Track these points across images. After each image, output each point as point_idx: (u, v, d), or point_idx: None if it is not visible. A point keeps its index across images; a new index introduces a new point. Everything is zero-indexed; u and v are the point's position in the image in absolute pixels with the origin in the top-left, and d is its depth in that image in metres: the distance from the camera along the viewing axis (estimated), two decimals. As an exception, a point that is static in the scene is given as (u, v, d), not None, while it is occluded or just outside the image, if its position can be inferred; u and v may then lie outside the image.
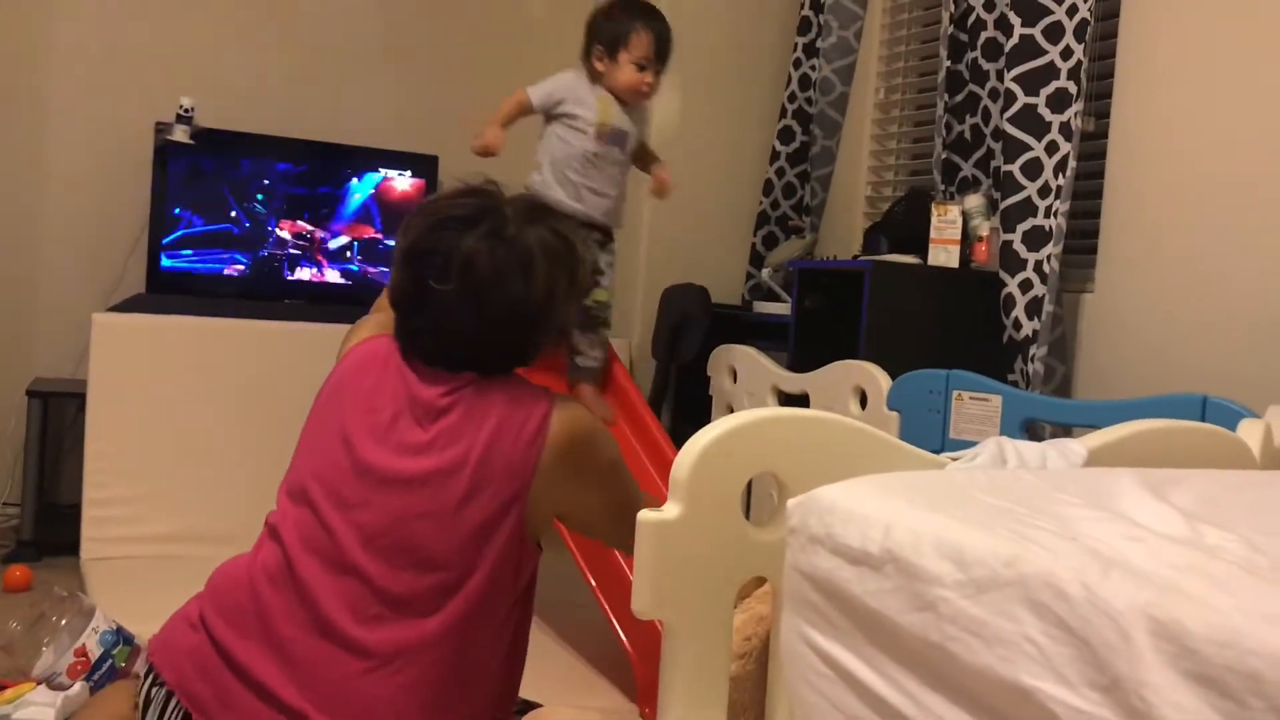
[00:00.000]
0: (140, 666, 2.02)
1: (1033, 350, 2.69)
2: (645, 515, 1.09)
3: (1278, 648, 0.60)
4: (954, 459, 1.21)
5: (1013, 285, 2.75)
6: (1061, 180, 2.71)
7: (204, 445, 3.13)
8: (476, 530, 1.51)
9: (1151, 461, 1.33)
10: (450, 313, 1.56)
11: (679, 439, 3.42)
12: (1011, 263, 2.75)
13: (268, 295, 3.39)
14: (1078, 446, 1.26)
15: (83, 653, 1.92)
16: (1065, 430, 2.46)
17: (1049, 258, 2.70)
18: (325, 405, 1.62)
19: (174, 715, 1.54)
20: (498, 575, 1.52)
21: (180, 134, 3.28)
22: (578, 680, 2.43)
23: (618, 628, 2.39)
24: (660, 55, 2.70)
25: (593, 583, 2.47)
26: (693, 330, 3.29)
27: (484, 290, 1.55)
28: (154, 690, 1.55)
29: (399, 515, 1.52)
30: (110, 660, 1.95)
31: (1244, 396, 2.08)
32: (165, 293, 3.27)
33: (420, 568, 1.50)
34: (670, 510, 1.09)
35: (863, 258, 2.95)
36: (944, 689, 0.80)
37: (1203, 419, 2.10)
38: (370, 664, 1.47)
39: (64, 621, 1.96)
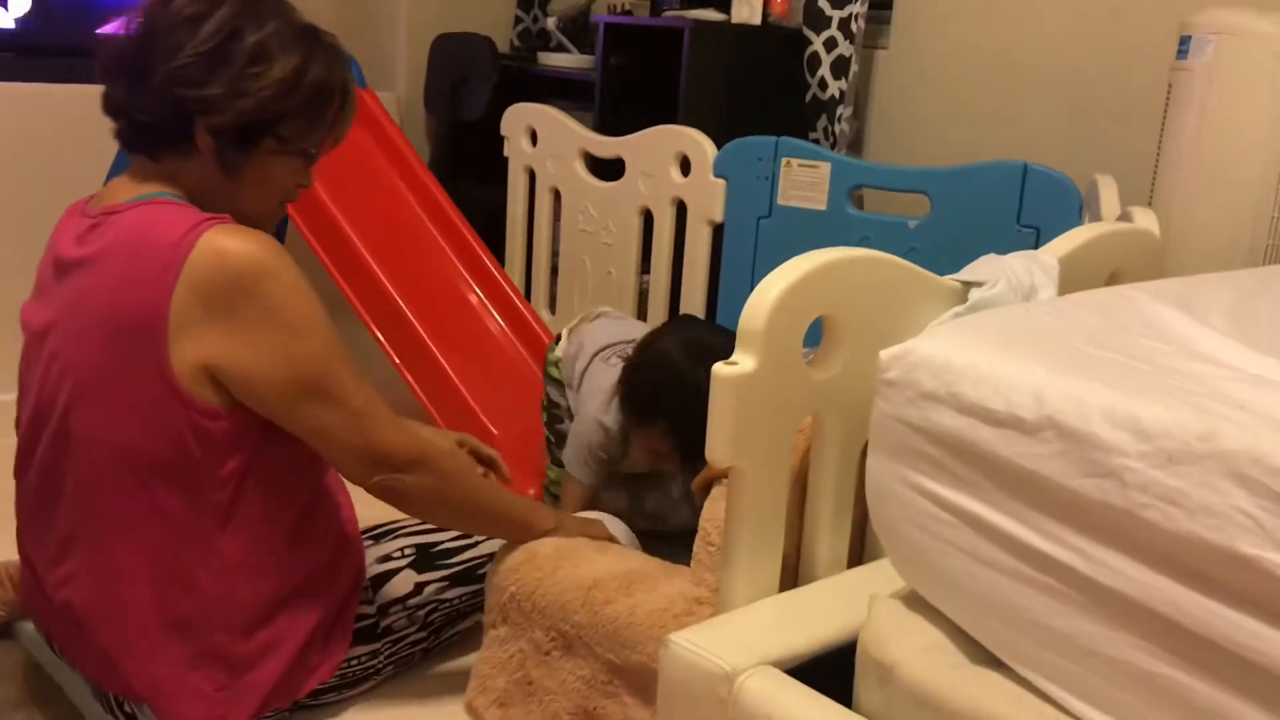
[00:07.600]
0: None
1: (839, 110, 2.76)
2: (721, 369, 1.07)
3: None
4: (964, 283, 1.26)
5: (818, 43, 2.77)
6: (869, -66, 2.71)
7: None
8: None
9: (1102, 260, 1.44)
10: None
11: (466, 202, 3.31)
12: (816, 20, 2.76)
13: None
14: (1048, 257, 1.34)
15: None
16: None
17: (854, 16, 2.74)
18: None
19: None
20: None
21: None
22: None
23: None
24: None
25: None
26: (478, 86, 3.11)
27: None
28: None
29: None
30: None
31: (1034, 158, 2.26)
32: None
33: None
34: (746, 363, 1.08)
35: (669, 13, 2.86)
36: (1123, 546, 0.86)
37: (1023, 184, 2.27)
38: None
39: None
